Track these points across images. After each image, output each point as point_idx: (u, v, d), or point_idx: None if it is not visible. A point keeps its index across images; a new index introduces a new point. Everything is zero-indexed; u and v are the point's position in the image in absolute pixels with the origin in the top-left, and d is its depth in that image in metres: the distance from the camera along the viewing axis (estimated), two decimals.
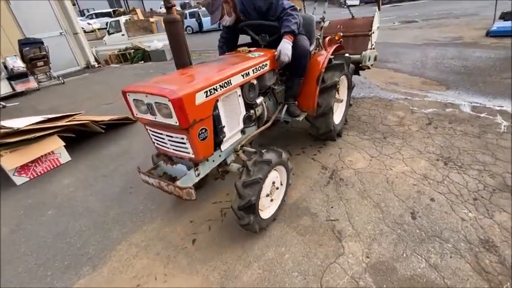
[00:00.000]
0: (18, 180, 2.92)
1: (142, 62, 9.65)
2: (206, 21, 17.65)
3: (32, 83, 7.04)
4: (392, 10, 14.02)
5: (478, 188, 2.03)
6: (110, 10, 25.22)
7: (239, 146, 1.93)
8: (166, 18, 3.25)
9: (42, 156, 3.02)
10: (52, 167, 3.15)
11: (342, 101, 2.88)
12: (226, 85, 1.65)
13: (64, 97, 6.21)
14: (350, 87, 2.97)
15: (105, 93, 6.01)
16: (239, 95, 1.86)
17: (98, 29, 21.09)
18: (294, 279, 1.57)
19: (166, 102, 1.39)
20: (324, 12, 2.72)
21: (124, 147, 3.43)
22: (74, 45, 8.93)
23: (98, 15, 25.03)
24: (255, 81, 1.97)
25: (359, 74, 3.95)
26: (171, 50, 3.49)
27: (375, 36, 3.84)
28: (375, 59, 3.60)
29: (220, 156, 1.87)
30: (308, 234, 1.85)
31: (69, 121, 3.31)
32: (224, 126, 1.75)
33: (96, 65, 9.51)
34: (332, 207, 2.04)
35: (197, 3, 24.19)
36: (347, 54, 3.16)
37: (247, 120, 1.99)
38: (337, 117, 2.83)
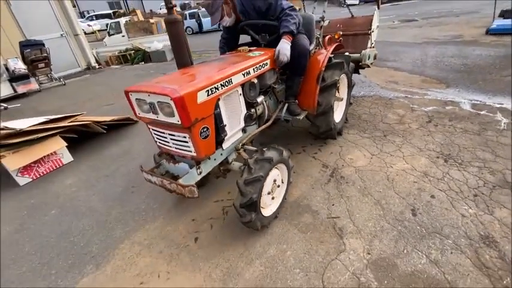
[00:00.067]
0: (21, 180, 2.94)
1: (143, 63, 9.68)
2: (206, 21, 17.67)
3: (33, 85, 7.07)
4: (392, 9, 14.02)
5: (478, 184, 2.04)
6: (110, 11, 25.30)
7: (240, 144, 1.94)
8: (168, 18, 3.27)
9: (44, 156, 3.04)
10: (54, 168, 3.17)
11: (342, 99, 2.89)
12: (227, 84, 1.67)
13: (65, 98, 6.24)
14: (350, 86, 2.99)
15: (106, 94, 6.03)
16: (240, 94, 1.88)
17: (98, 31, 21.15)
18: (295, 275, 1.59)
19: (168, 101, 1.41)
20: (324, 11, 2.74)
21: (125, 148, 3.45)
22: (74, 47, 8.96)
23: (98, 16, 25.11)
24: (255, 80, 1.98)
25: (359, 73, 3.96)
26: (172, 50, 3.50)
27: (375, 35, 3.86)
28: (375, 58, 3.61)
29: (221, 154, 1.88)
30: (309, 231, 1.87)
31: (71, 122, 3.33)
32: (225, 125, 1.77)
33: (97, 66, 9.55)
34: (333, 205, 2.06)
35: (197, 3, 24.24)
36: (347, 53, 3.17)
37: (248, 119, 2.01)
38: (338, 116, 2.85)
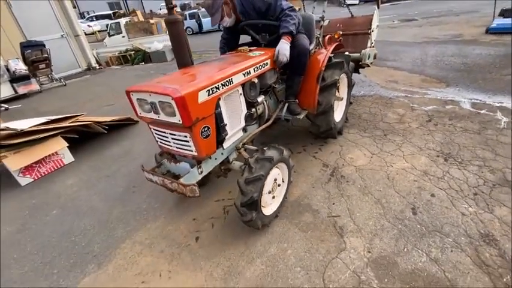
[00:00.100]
0: (23, 180, 2.95)
1: (143, 63, 9.69)
2: (206, 22, 17.69)
3: (34, 85, 7.08)
4: (392, 8, 14.03)
5: (478, 183, 2.05)
6: (110, 12, 25.34)
7: (241, 144, 1.95)
8: (168, 18, 3.28)
9: (46, 157, 3.06)
10: (56, 168, 3.18)
11: (342, 99, 2.90)
12: (227, 84, 1.68)
13: (66, 99, 6.26)
14: (350, 86, 3.00)
15: (107, 94, 6.04)
16: (240, 94, 1.88)
17: (98, 31, 21.18)
18: (296, 274, 1.60)
19: (169, 101, 1.41)
20: (324, 11, 2.75)
21: (126, 148, 3.46)
22: (75, 48, 8.97)
23: (98, 17, 25.15)
24: (256, 80, 1.99)
25: (359, 72, 3.97)
26: (173, 50, 3.52)
27: (375, 35, 3.86)
28: (375, 57, 3.62)
29: (222, 154, 1.89)
30: (310, 230, 1.87)
31: (72, 122, 3.34)
32: (226, 125, 1.78)
33: (97, 67, 9.56)
34: (333, 204, 2.06)
35: (197, 4, 24.26)
36: (347, 53, 3.18)
37: (249, 118, 2.02)
38: (338, 115, 2.85)
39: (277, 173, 1.90)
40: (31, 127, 2.96)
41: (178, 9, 22.19)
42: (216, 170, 1.97)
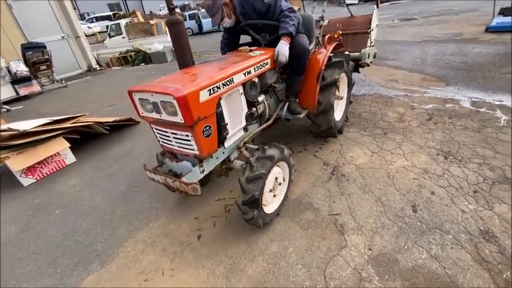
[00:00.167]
0: (25, 181, 2.98)
1: (143, 64, 9.72)
2: (206, 22, 17.71)
3: (35, 87, 7.12)
4: (392, 8, 14.04)
5: (478, 180, 2.06)
6: (110, 13, 25.38)
7: (242, 143, 1.97)
8: (169, 19, 3.31)
9: (48, 157, 3.07)
10: (58, 168, 3.20)
11: (342, 98, 2.91)
12: (228, 83, 1.69)
13: (67, 100, 6.28)
14: (350, 85, 3.01)
15: (108, 95, 6.07)
16: (241, 93, 1.90)
17: (99, 33, 21.22)
18: (297, 271, 1.61)
19: (171, 101, 1.43)
20: (323, 11, 2.76)
21: (128, 148, 3.48)
22: (75, 49, 9.01)
23: (98, 18, 25.20)
24: (256, 80, 2.01)
25: (359, 72, 3.99)
26: (174, 51, 3.54)
27: (374, 34, 3.88)
28: (374, 57, 3.63)
29: (223, 153, 1.91)
30: (311, 228, 1.89)
31: (74, 123, 3.37)
32: (227, 124, 1.80)
33: (98, 68, 9.59)
34: (334, 202, 2.08)
35: (196, 4, 24.28)
36: (346, 52, 3.19)
37: (249, 117, 2.04)
38: (338, 114, 2.87)
39: (278, 172, 1.92)
40: (33, 128, 2.98)
41: (178, 10, 22.22)
42: (218, 169, 1.99)
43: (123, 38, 11.75)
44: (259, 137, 2.62)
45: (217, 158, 1.87)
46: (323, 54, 2.40)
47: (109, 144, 3.66)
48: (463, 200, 1.92)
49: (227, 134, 1.81)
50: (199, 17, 18.22)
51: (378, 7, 4.09)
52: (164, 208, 2.30)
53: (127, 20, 13.57)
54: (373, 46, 3.76)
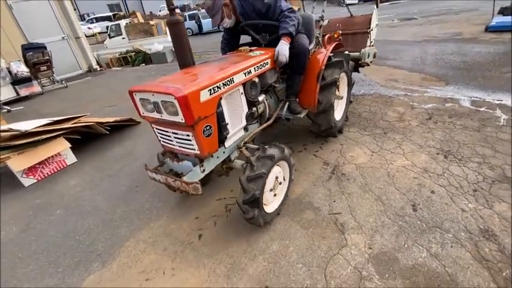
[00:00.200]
0: (26, 181, 2.98)
1: (144, 64, 9.73)
2: (206, 23, 17.72)
3: (36, 87, 7.13)
4: (391, 8, 14.04)
5: (478, 179, 2.07)
6: (110, 14, 25.41)
7: (242, 143, 1.98)
8: (170, 20, 3.32)
9: (49, 157, 3.08)
10: (59, 169, 3.21)
11: (342, 98, 2.92)
12: (229, 83, 1.70)
13: (68, 101, 6.29)
14: (350, 84, 3.02)
15: (108, 95, 6.08)
16: (241, 93, 1.91)
17: (99, 33, 21.23)
18: (298, 270, 1.62)
19: (172, 100, 1.44)
20: (323, 11, 2.77)
21: (128, 148, 3.49)
22: (76, 50, 9.02)
23: (98, 19, 25.23)
24: (256, 79, 2.01)
25: (359, 71, 3.99)
26: (174, 51, 3.55)
27: (374, 34, 3.89)
28: (374, 56, 3.64)
29: (224, 152, 1.92)
30: (311, 227, 1.89)
31: (74, 123, 3.37)
32: (228, 123, 1.80)
33: (98, 69, 9.61)
34: (334, 201, 2.08)
35: (196, 5, 24.30)
36: (346, 52, 3.20)
37: (250, 117, 2.05)
38: (338, 114, 2.88)
39: (279, 171, 1.92)
40: (34, 128, 2.99)
41: (178, 10, 22.25)
42: (218, 168, 2.00)
43: (123, 38, 11.77)
44: (260, 136, 2.63)
45: (217, 157, 1.87)
46: (323, 54, 2.41)
47: (110, 144, 3.67)
48: (463, 198, 1.92)
49: (227, 133, 1.82)
50: (199, 17, 18.23)
51: (377, 7, 4.09)
52: (165, 208, 2.31)
53: (127, 20, 13.60)
54: (373, 46, 3.76)
